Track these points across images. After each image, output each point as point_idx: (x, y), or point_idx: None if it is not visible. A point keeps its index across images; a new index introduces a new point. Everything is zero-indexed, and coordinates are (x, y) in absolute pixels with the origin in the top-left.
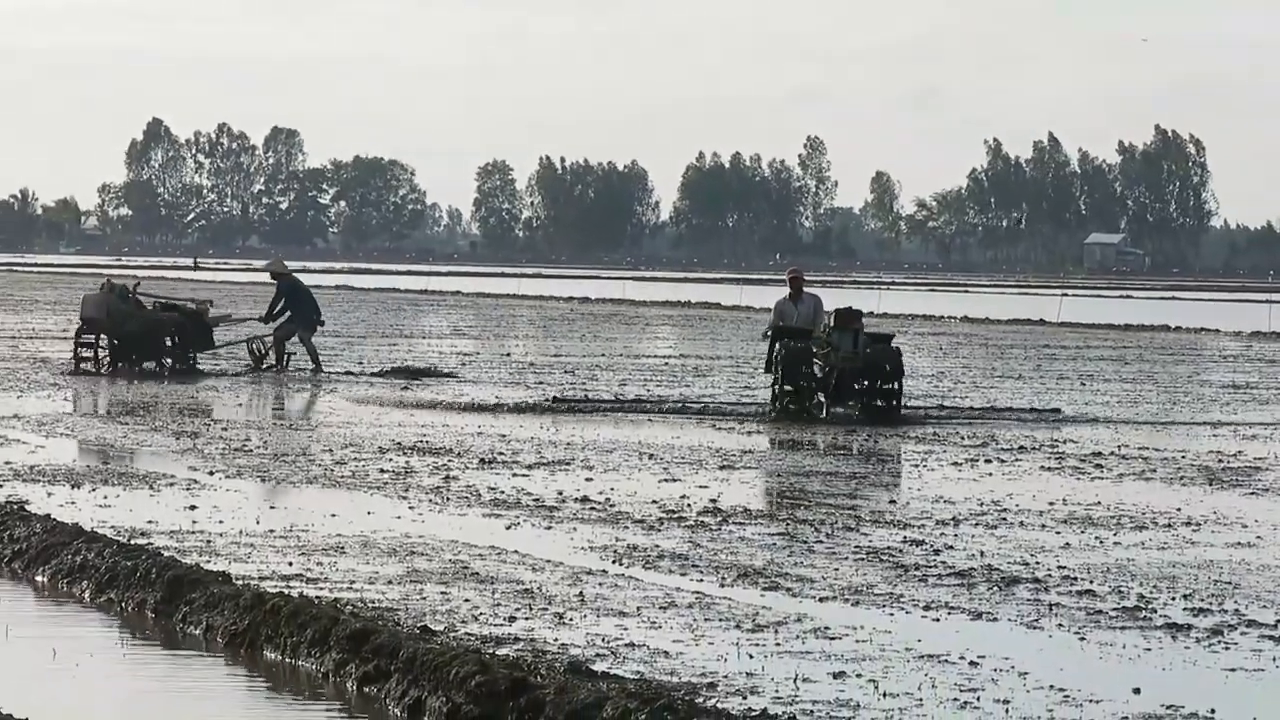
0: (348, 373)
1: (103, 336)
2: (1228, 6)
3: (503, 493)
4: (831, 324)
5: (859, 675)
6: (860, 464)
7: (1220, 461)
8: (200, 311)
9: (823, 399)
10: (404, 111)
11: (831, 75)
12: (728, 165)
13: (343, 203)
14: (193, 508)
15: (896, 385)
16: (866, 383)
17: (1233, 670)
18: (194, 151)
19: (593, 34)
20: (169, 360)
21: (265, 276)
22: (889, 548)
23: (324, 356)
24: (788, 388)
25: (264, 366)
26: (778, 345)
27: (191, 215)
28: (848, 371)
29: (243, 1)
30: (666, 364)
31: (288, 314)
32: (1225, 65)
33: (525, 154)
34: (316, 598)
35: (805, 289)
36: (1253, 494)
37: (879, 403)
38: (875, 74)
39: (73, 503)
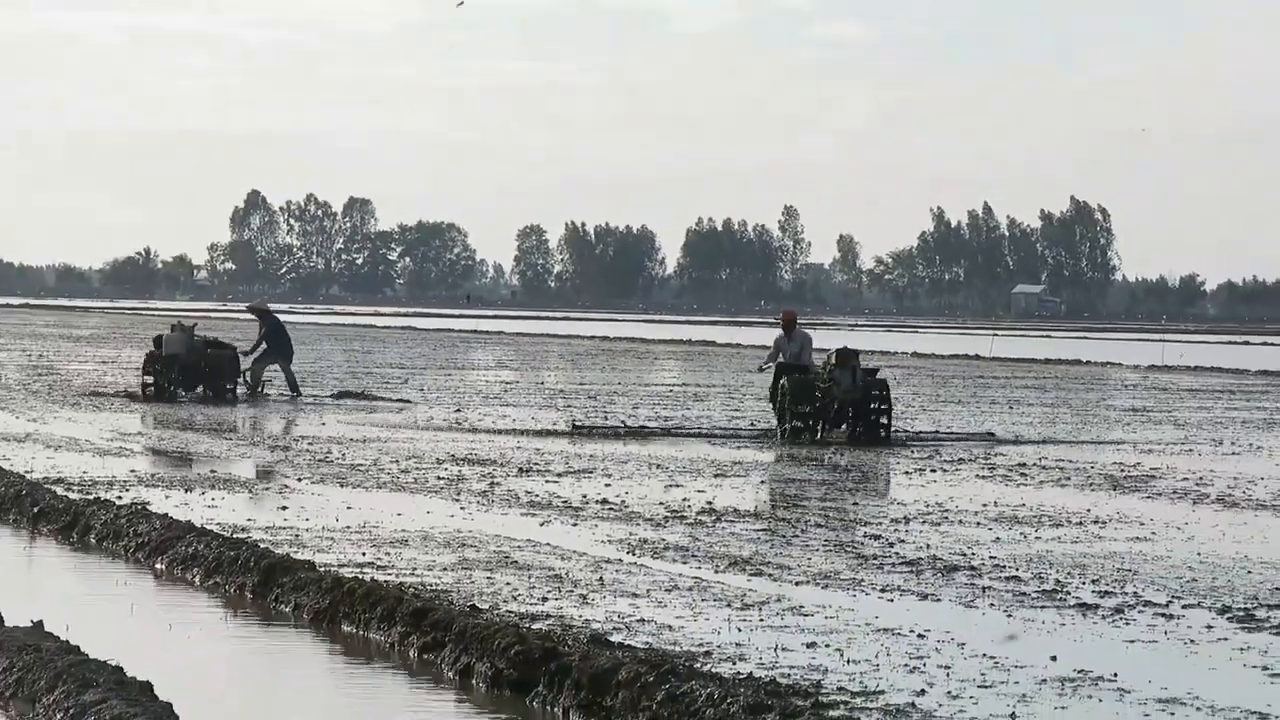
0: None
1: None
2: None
3: (537, 496)
4: (833, 362)
5: (828, 645)
6: (829, 474)
7: (1123, 471)
8: (234, 349)
9: (824, 425)
10: (458, 183)
11: (807, 151)
12: (720, 228)
13: (407, 259)
14: (284, 508)
15: (888, 412)
16: (862, 410)
17: (1132, 641)
18: (286, 216)
19: (609, 116)
20: (220, 388)
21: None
22: (852, 541)
23: (393, 383)
24: (794, 418)
25: (258, 393)
26: (782, 379)
27: (284, 269)
28: (847, 401)
29: (325, 92)
30: (671, 391)
31: (264, 347)
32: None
33: (556, 219)
34: (385, 582)
35: (797, 326)
36: (1149, 498)
37: (877, 427)
38: (843, 151)
39: (186, 504)
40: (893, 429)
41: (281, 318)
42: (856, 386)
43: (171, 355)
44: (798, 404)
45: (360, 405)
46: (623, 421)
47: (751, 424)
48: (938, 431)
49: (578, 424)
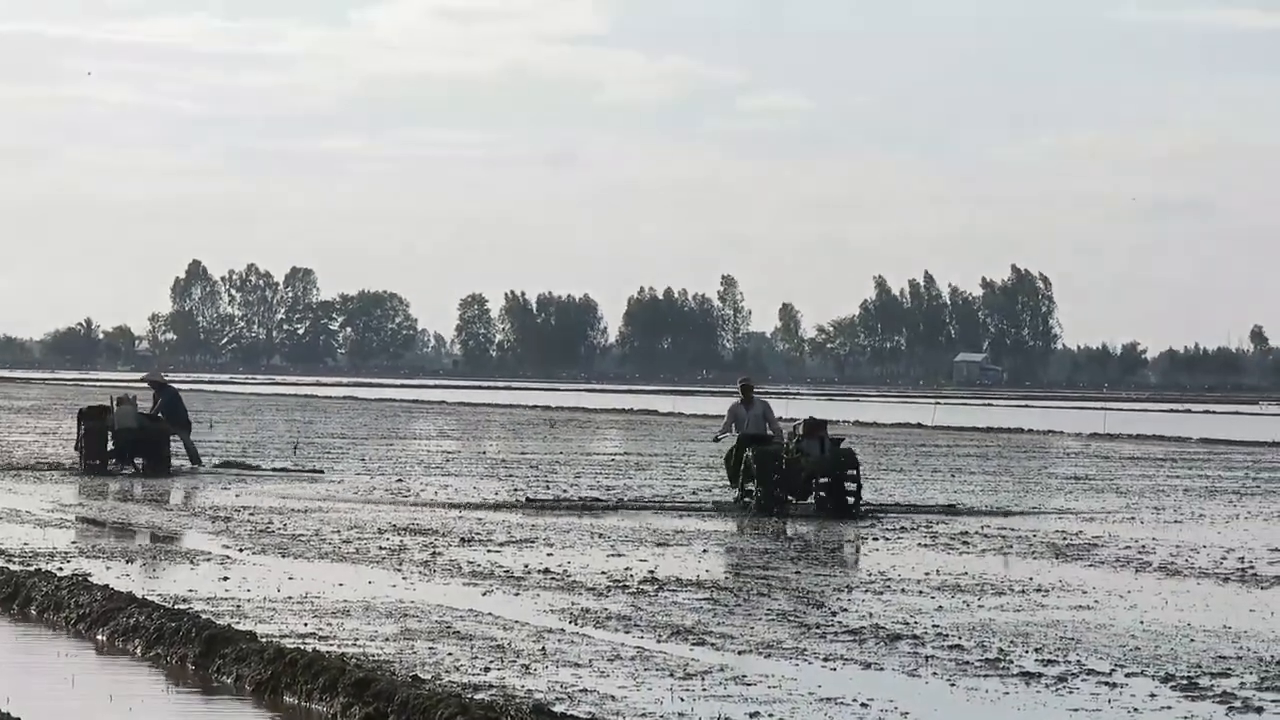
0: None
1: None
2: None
3: (480, 565)
4: (800, 432)
5: (771, 715)
6: (770, 542)
7: (1065, 539)
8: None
9: (790, 497)
10: (399, 254)
11: (748, 224)
12: (661, 297)
13: (349, 329)
14: (225, 578)
15: (858, 483)
16: (828, 480)
17: (1076, 710)
18: (227, 286)
19: (551, 190)
20: (161, 459)
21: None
22: (794, 610)
23: (334, 453)
24: (760, 489)
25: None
26: (746, 450)
27: (225, 340)
28: (815, 473)
29: (266, 162)
30: (613, 460)
31: (159, 419)
32: (1069, 215)
33: (497, 288)
34: (327, 652)
35: (755, 395)
36: (1091, 565)
37: (846, 498)
38: (784, 223)
39: (127, 575)
40: (861, 501)
41: (181, 388)
42: (825, 458)
43: (126, 429)
44: (764, 475)
45: (251, 475)
46: (578, 496)
47: (700, 494)
48: (898, 504)
49: (530, 498)
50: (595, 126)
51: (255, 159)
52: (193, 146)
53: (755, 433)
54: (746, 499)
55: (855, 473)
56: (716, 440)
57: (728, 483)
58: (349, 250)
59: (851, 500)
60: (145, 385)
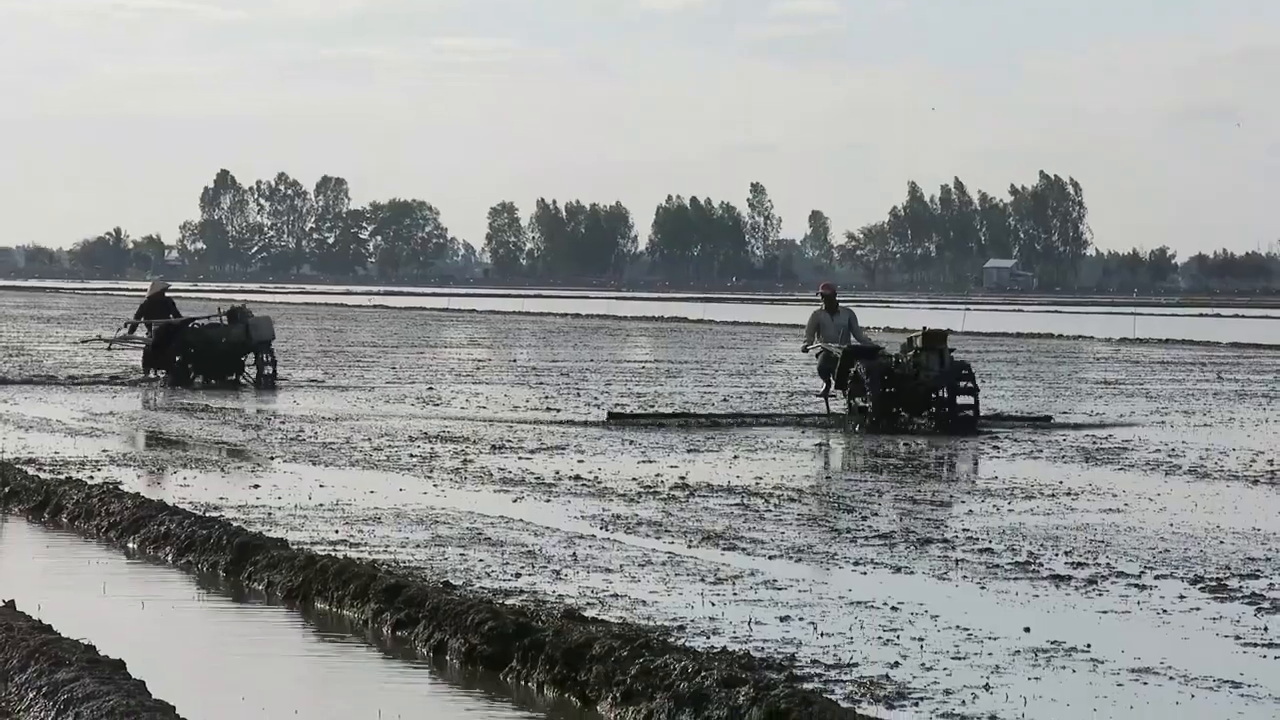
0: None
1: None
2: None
3: (510, 473)
4: (919, 344)
5: (801, 619)
6: (798, 448)
7: (1095, 443)
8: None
9: (904, 413)
10: (430, 162)
11: (778, 131)
12: (689, 205)
13: (379, 238)
14: (256, 486)
15: (976, 397)
16: (948, 397)
17: (1105, 612)
18: (256, 196)
19: (582, 98)
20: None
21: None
22: (825, 515)
23: (365, 362)
24: (878, 404)
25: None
26: (856, 363)
27: (255, 249)
28: (934, 387)
29: (296, 71)
30: (644, 367)
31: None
32: (1099, 123)
33: (528, 197)
34: (358, 559)
35: (839, 303)
36: (1121, 469)
37: (964, 413)
38: (816, 132)
39: (158, 483)
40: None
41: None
42: (945, 371)
43: (263, 341)
44: (877, 390)
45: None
46: (662, 410)
47: (787, 406)
48: (1000, 415)
49: (613, 413)
50: (626, 34)
51: (285, 68)
52: (222, 55)
53: (842, 342)
54: (860, 414)
55: (974, 385)
56: (806, 352)
57: (824, 393)
58: (379, 159)
59: (970, 415)
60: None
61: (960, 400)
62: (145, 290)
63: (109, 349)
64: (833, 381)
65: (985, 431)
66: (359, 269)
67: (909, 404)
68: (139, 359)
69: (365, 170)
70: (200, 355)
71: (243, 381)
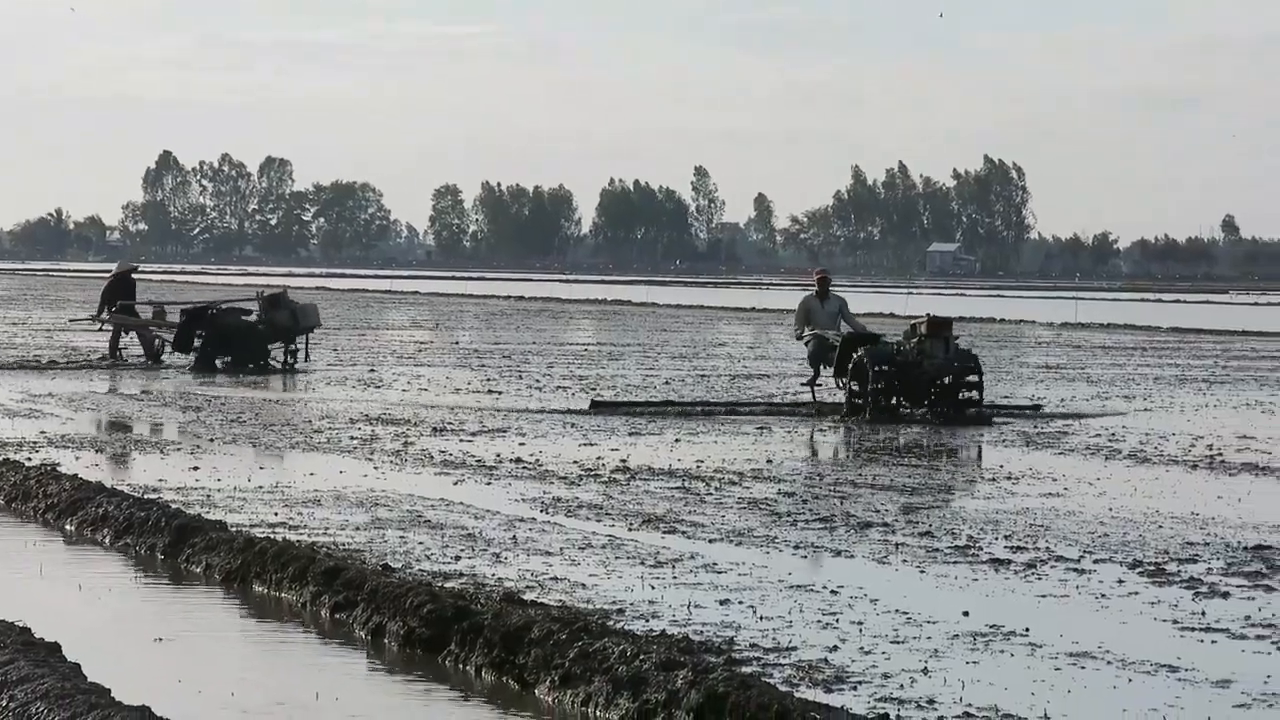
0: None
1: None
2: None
3: (451, 455)
4: (923, 332)
5: (741, 602)
6: (740, 432)
7: (1035, 427)
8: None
9: (905, 402)
10: (374, 144)
11: (722, 114)
12: (633, 188)
13: (322, 219)
14: (196, 468)
15: (980, 388)
16: (951, 386)
17: (1044, 596)
18: (198, 177)
19: (528, 78)
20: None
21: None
22: (766, 499)
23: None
24: (879, 393)
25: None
26: (857, 350)
27: (197, 230)
28: (938, 376)
29: (239, 53)
30: (586, 350)
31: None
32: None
33: (472, 179)
34: (297, 541)
35: (831, 290)
36: (1061, 454)
37: (965, 403)
38: (760, 115)
39: (96, 465)
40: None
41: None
42: (951, 360)
43: (310, 326)
44: (879, 378)
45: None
46: (648, 399)
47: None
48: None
49: (596, 401)
50: (571, 16)
51: (230, 49)
52: (166, 36)
53: (833, 330)
54: (857, 403)
55: (978, 375)
56: (800, 339)
57: (811, 382)
58: (323, 141)
59: (973, 405)
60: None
61: (965, 392)
62: (109, 271)
63: (100, 329)
64: (822, 370)
65: (988, 421)
66: (302, 251)
67: (910, 393)
68: (105, 342)
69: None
70: (229, 340)
71: (274, 364)
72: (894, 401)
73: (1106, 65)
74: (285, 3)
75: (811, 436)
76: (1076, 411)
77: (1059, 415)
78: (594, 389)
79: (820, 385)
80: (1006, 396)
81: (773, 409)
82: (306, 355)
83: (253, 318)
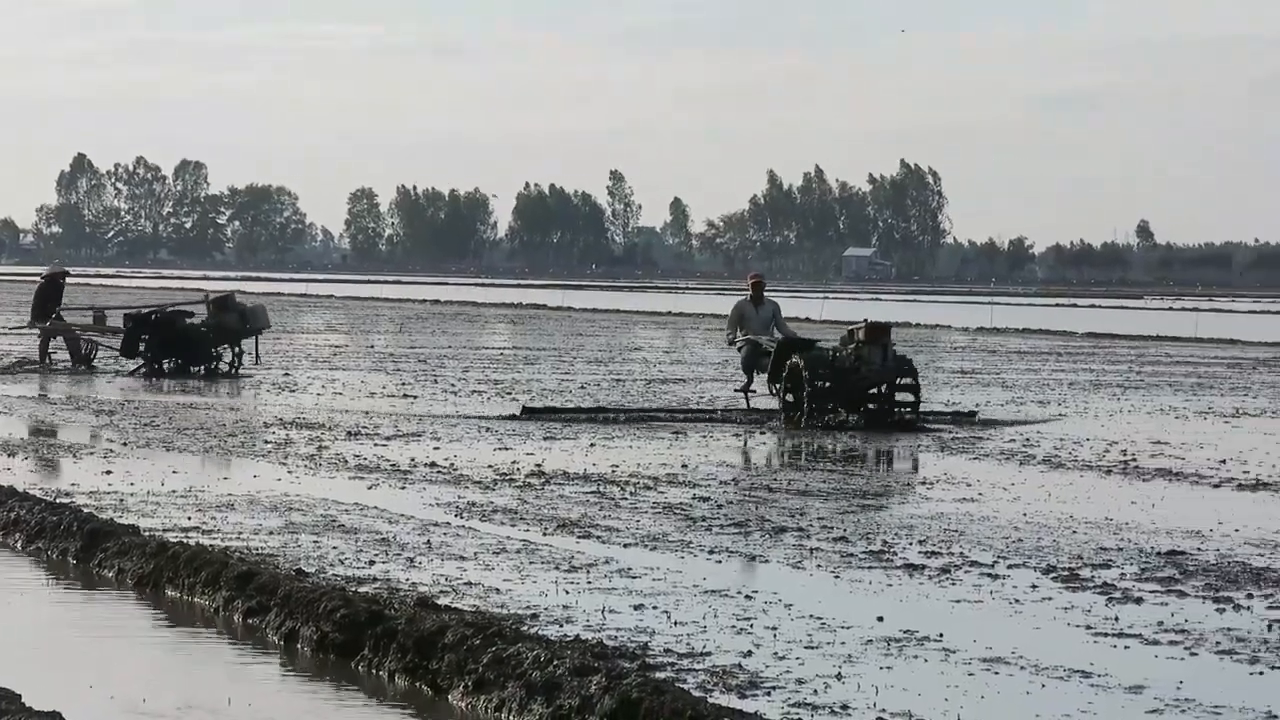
0: None
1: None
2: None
3: (366, 459)
4: (861, 337)
5: (655, 607)
6: (656, 437)
7: (950, 433)
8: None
9: (840, 409)
10: (289, 147)
11: (638, 118)
12: (549, 192)
13: (237, 223)
14: (109, 472)
15: (917, 393)
16: (884, 390)
17: (958, 601)
18: (113, 180)
19: (441, 84)
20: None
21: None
22: (681, 503)
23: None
24: (814, 399)
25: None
26: (792, 356)
27: (111, 233)
28: (876, 382)
29: (154, 54)
30: (502, 354)
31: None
32: (959, 110)
33: (387, 183)
34: (210, 546)
35: (766, 295)
36: (976, 459)
37: (901, 410)
38: (676, 119)
39: (8, 468)
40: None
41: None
42: (888, 366)
43: (261, 328)
44: (818, 384)
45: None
46: (580, 404)
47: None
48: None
49: (527, 407)
50: (486, 19)
51: (144, 50)
52: (81, 37)
53: (766, 335)
54: (791, 409)
55: (914, 381)
56: (733, 344)
57: (745, 388)
58: (239, 144)
59: (910, 412)
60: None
61: (900, 397)
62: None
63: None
64: (755, 376)
65: (924, 429)
66: (216, 254)
67: (847, 399)
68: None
69: (223, 154)
70: (175, 344)
71: (223, 369)
72: (830, 408)
73: (1023, 69)
74: (200, 4)
75: (742, 442)
76: (1017, 418)
77: (997, 422)
78: (509, 393)
79: (754, 392)
80: (945, 404)
81: (701, 415)
82: (257, 357)
83: (197, 321)
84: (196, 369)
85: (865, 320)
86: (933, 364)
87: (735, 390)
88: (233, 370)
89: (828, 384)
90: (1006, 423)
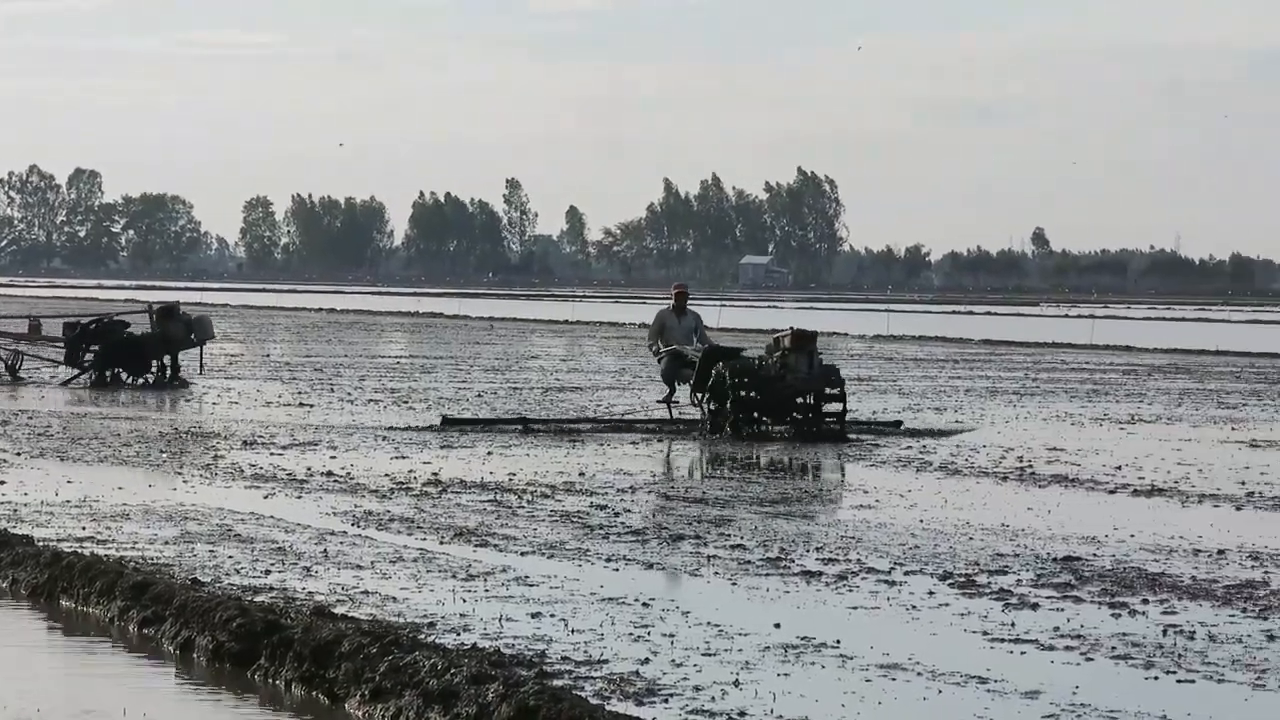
0: None
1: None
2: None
3: (262, 469)
4: (786, 345)
5: (552, 615)
6: (553, 445)
7: (871, 442)
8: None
9: (766, 418)
10: (183, 156)
11: (535, 126)
12: (445, 200)
13: (131, 231)
14: (2, 482)
15: (843, 403)
16: (810, 401)
17: (855, 608)
18: (6, 189)
19: (338, 91)
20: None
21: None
22: (578, 511)
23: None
24: (739, 408)
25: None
26: (717, 365)
27: (4, 242)
28: (802, 391)
29: (50, 62)
30: (398, 363)
31: None
32: (855, 118)
33: (283, 191)
34: (105, 556)
35: (689, 305)
36: (872, 466)
37: (828, 419)
38: (573, 128)
39: None
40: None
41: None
42: (813, 375)
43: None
44: (743, 393)
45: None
46: (505, 413)
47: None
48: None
49: (447, 417)
50: (381, 28)
51: (38, 58)
52: None
53: (689, 345)
54: (716, 419)
55: (841, 391)
56: (656, 354)
57: (668, 399)
58: (133, 153)
59: (836, 422)
60: None
61: (827, 407)
62: None
63: None
64: (677, 386)
65: (852, 439)
66: (111, 263)
67: (772, 409)
68: None
69: (118, 162)
70: (118, 354)
71: (149, 380)
72: (756, 416)
73: (919, 78)
74: (94, 11)
75: (642, 450)
76: (944, 428)
77: (921, 433)
78: (406, 401)
79: (678, 402)
80: (873, 414)
81: (623, 425)
82: (201, 368)
83: (138, 331)
84: (133, 379)
85: (791, 328)
86: None
87: (657, 401)
88: (171, 381)
89: (753, 393)
90: (933, 433)
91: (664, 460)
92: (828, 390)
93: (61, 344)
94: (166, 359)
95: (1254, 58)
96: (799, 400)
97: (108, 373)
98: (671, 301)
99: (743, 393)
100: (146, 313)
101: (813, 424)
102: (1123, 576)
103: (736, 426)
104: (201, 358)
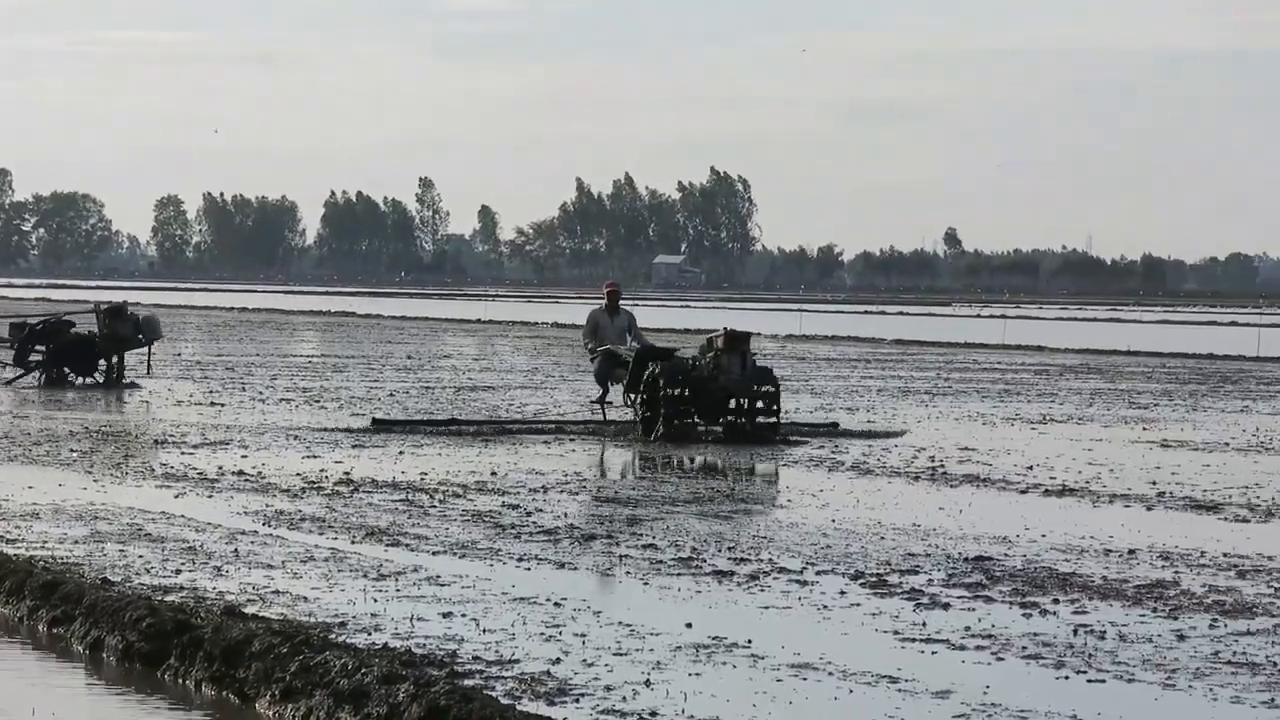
0: None
1: None
2: (769, 68)
3: (172, 468)
4: (719, 346)
5: (464, 615)
6: (465, 445)
7: (803, 444)
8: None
9: (699, 420)
10: (94, 154)
11: (447, 125)
12: (357, 199)
13: (42, 230)
14: None
15: (778, 402)
16: (745, 403)
17: (766, 608)
18: None
19: (250, 90)
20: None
21: None
22: (490, 511)
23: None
24: (670, 409)
25: None
26: (649, 366)
27: None
28: (735, 393)
29: None
30: (310, 362)
31: None
32: (767, 117)
33: (194, 190)
34: (14, 555)
35: (621, 304)
36: (785, 465)
37: (762, 420)
38: (485, 127)
39: None
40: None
41: None
42: (746, 376)
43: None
44: (674, 394)
45: None
46: (431, 415)
47: (569, 412)
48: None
49: (377, 419)
50: (294, 27)
51: None
52: None
53: (619, 345)
54: (648, 420)
55: (775, 391)
56: (592, 353)
57: (600, 400)
58: (42, 151)
59: (771, 423)
60: None
61: (760, 407)
62: None
63: None
64: (610, 387)
65: (783, 440)
66: (21, 261)
67: (705, 410)
68: None
69: (27, 161)
70: (67, 353)
71: (97, 379)
72: (689, 417)
73: (829, 77)
74: (6, 7)
75: (555, 450)
76: (879, 430)
77: (857, 434)
78: (317, 401)
79: (610, 403)
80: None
81: (552, 426)
82: (149, 368)
83: (83, 330)
84: (80, 378)
85: (724, 328)
86: None
87: (590, 401)
88: (115, 379)
89: (685, 393)
90: (867, 434)
91: (577, 460)
92: (761, 389)
93: (9, 344)
94: (115, 359)
95: (1158, 58)
96: (733, 401)
97: (54, 371)
98: (604, 301)
99: (675, 392)
100: (94, 312)
101: (746, 425)
102: (1034, 576)
103: (669, 427)
104: (149, 358)
